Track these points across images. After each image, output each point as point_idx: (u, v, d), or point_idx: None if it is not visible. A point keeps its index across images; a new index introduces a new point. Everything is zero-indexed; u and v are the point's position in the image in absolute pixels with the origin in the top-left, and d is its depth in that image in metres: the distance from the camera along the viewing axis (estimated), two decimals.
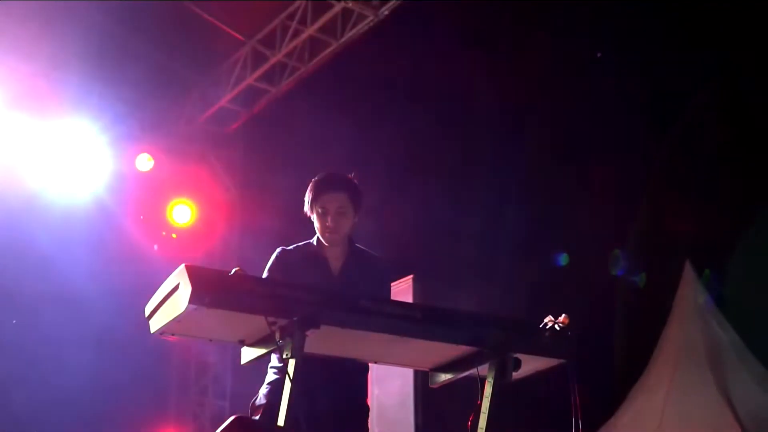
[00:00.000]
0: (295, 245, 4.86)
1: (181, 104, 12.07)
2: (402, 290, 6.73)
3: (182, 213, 11.87)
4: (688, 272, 10.80)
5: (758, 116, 9.70)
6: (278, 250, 4.80)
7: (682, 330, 10.74)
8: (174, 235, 11.87)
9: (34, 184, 10.63)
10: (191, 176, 12.06)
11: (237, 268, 3.63)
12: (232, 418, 3.37)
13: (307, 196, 4.80)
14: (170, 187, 11.90)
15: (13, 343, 9.79)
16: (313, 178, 4.83)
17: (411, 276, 6.96)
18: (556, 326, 4.16)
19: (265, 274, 4.64)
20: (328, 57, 10.54)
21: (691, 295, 10.79)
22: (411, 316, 3.91)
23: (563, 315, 4.18)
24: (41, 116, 10.61)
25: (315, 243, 4.82)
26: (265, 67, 10.99)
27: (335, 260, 4.80)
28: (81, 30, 10.07)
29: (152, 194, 11.76)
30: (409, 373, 6.82)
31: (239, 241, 12.11)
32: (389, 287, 4.98)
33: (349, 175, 4.86)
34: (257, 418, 4.45)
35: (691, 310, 10.75)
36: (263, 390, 4.62)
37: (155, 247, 11.64)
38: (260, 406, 4.55)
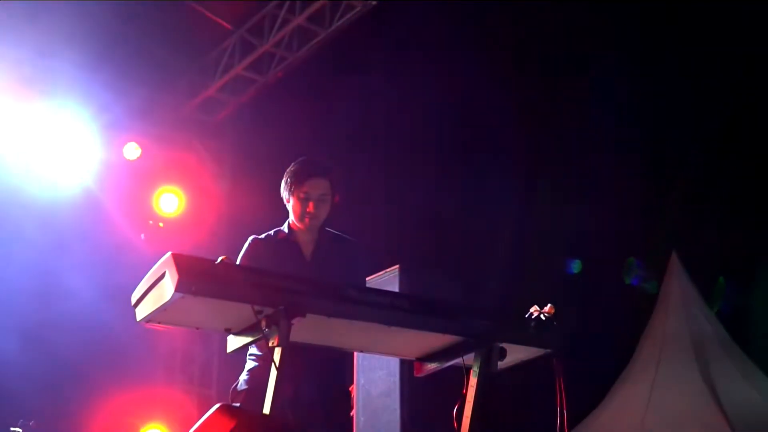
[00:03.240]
0: (266, 233, 4.87)
1: (169, 93, 12.02)
2: (388, 280, 6.70)
3: (170, 202, 11.85)
4: (674, 264, 10.86)
5: None
6: (250, 239, 4.83)
7: (668, 321, 10.80)
8: (161, 224, 11.86)
9: (21, 173, 10.59)
10: (179, 165, 12.04)
11: (223, 257, 3.64)
12: (216, 405, 3.38)
13: (288, 180, 4.79)
14: (158, 176, 11.88)
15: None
16: (292, 163, 4.83)
17: (397, 266, 6.93)
18: (541, 316, 4.18)
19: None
20: (316, 46, 10.52)
21: (677, 287, 10.85)
22: (397, 306, 3.92)
23: (549, 305, 4.20)
24: (27, 104, 10.56)
25: (286, 230, 4.83)
26: (254, 56, 10.97)
27: (307, 245, 4.82)
28: (68, 17, 10.03)
29: (140, 183, 11.74)
30: (395, 362, 6.78)
31: (227, 230, 12.08)
32: (363, 269, 5.01)
33: (329, 162, 4.86)
34: (238, 404, 4.47)
35: (677, 302, 10.81)
36: (243, 377, 4.65)
37: (142, 236, 11.62)
38: (241, 392, 4.58)
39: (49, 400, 9.83)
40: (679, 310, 10.81)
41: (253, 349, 4.62)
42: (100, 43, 10.45)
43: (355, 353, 6.41)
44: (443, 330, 4.00)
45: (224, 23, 11.03)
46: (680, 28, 9.74)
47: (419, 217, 10.32)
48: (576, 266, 10.02)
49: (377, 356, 6.72)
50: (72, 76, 10.63)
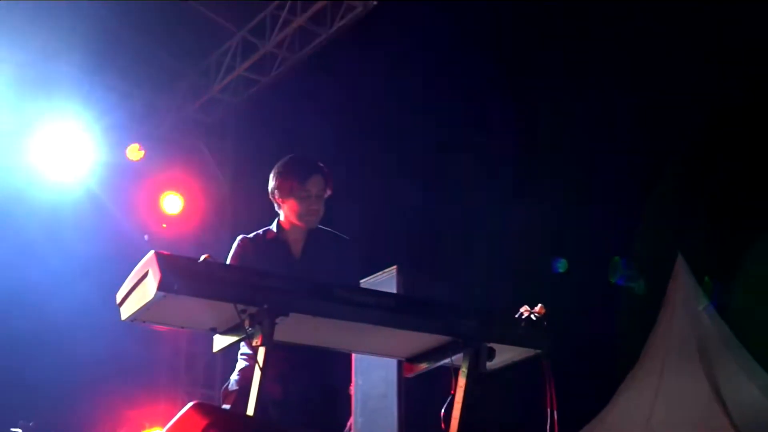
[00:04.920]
0: (254, 233, 4.83)
1: (172, 94, 12.04)
2: (386, 281, 6.66)
3: (173, 203, 11.86)
4: (681, 266, 10.80)
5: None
6: (239, 238, 4.78)
7: (674, 322, 10.75)
8: (164, 225, 11.86)
9: (25, 175, 10.60)
10: (182, 166, 12.05)
11: (206, 256, 3.60)
12: (190, 404, 3.34)
13: (286, 180, 4.70)
14: (161, 177, 11.88)
15: (3, 334, 9.78)
16: (283, 162, 4.77)
17: (395, 267, 6.89)
18: (531, 316, 4.13)
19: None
20: (317, 47, 10.50)
21: (682, 289, 10.79)
22: (384, 305, 3.88)
23: (539, 305, 4.15)
24: (32, 106, 10.58)
25: (275, 228, 4.79)
26: (255, 57, 10.95)
27: (296, 243, 4.77)
28: (72, 20, 10.05)
29: (143, 184, 11.74)
30: (392, 362, 6.76)
31: (230, 230, 12.08)
32: (355, 265, 4.92)
33: (318, 158, 4.83)
34: (228, 405, 4.45)
35: (682, 303, 10.76)
36: (234, 377, 4.62)
37: (145, 237, 11.61)
38: (232, 392, 4.55)
39: (51, 401, 9.83)
40: (685, 311, 10.77)
41: (244, 349, 4.59)
42: (102, 46, 10.47)
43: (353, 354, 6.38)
44: (430, 330, 3.96)
45: (226, 24, 11.03)
46: (667, 26, 9.71)
47: (419, 217, 10.31)
48: (561, 266, 9.95)
49: (375, 357, 6.71)
50: (75, 79, 10.65)
